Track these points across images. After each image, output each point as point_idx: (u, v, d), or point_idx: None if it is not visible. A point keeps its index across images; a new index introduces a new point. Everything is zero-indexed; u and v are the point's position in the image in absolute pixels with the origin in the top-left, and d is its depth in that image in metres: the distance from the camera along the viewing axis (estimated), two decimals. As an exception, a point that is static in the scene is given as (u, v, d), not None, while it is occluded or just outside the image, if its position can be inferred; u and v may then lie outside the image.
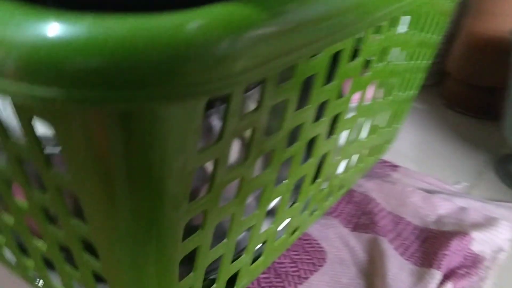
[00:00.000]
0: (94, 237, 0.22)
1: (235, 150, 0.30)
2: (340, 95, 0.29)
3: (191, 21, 0.14)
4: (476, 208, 0.42)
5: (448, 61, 0.62)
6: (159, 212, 0.20)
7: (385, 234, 0.39)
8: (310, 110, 0.26)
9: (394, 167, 0.49)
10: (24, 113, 0.19)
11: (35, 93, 0.13)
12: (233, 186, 0.26)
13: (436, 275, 0.35)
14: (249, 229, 0.32)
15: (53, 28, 0.13)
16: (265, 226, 0.32)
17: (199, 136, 0.19)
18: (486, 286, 0.36)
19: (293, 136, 0.27)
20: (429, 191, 0.44)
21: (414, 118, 0.59)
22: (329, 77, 0.27)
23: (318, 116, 0.28)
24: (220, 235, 0.27)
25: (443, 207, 0.42)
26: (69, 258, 0.27)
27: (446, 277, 0.36)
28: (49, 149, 0.26)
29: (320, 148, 0.30)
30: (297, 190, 0.32)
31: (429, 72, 0.65)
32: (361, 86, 0.30)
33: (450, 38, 0.63)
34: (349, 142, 0.34)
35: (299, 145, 0.27)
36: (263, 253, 0.33)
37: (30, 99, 0.13)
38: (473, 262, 0.37)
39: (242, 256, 0.30)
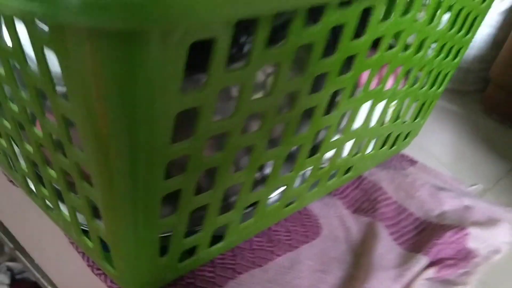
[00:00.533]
0: (87, 165, 0.24)
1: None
2: (341, 72, 0.30)
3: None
4: (482, 208, 0.42)
5: (492, 68, 0.61)
6: (142, 147, 0.22)
7: (384, 220, 0.40)
8: (305, 80, 0.27)
9: (413, 162, 0.49)
10: (37, 42, 0.22)
11: (30, 9, 0.16)
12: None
13: (422, 260, 0.36)
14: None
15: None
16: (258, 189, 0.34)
17: (181, 76, 0.21)
18: (470, 281, 0.36)
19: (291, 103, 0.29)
20: (441, 188, 0.45)
21: (449, 121, 0.59)
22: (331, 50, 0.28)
23: (317, 87, 0.30)
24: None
25: (448, 204, 0.42)
26: (74, 190, 0.30)
27: (433, 264, 0.36)
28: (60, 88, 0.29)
29: (317, 122, 0.31)
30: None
31: (474, 78, 0.64)
32: (365, 68, 0.32)
33: (498, 45, 0.62)
34: (351, 123, 0.36)
35: (293, 113, 0.29)
36: (254, 215, 0.35)
37: (26, 14, 0.15)
38: (464, 257, 0.37)
39: (230, 211, 0.32)
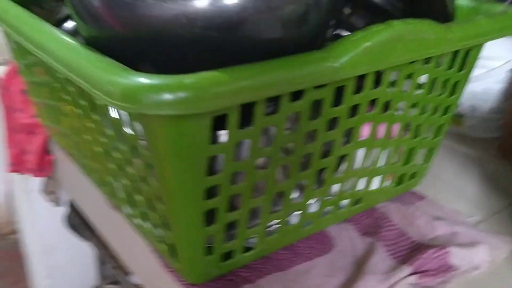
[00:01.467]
0: (160, 191, 0.40)
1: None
2: (327, 128, 0.44)
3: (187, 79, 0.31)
4: (468, 233, 0.52)
5: (504, 117, 0.70)
6: (189, 178, 0.37)
7: (384, 241, 0.52)
8: (298, 135, 0.41)
9: (421, 197, 0.60)
10: (132, 118, 0.38)
11: (125, 107, 0.32)
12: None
13: (406, 269, 0.47)
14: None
15: (133, 79, 0.31)
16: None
17: (209, 135, 0.36)
18: (448, 288, 0.46)
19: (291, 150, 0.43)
20: (438, 218, 0.55)
21: (468, 163, 0.69)
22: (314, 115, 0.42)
23: (312, 137, 0.43)
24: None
25: (440, 230, 0.53)
26: (152, 209, 0.45)
27: (416, 273, 0.47)
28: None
29: (315, 164, 0.45)
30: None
31: (492, 126, 0.74)
32: (349, 125, 0.45)
33: (510, 98, 0.71)
34: (350, 165, 0.48)
35: (293, 158, 0.43)
36: (278, 232, 0.48)
37: (123, 108, 0.31)
38: (445, 270, 0.48)
39: (257, 227, 0.46)
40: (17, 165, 0.89)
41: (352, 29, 0.61)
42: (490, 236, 0.53)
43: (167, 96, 0.30)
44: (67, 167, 0.73)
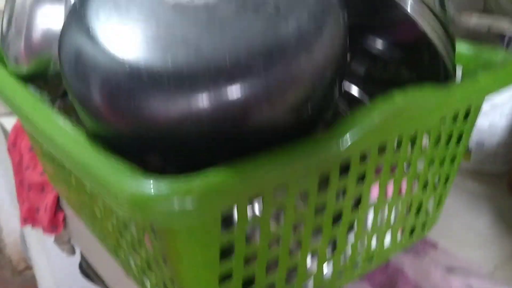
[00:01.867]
0: (173, 276, 0.40)
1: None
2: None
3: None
4: (483, 286, 0.52)
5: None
6: (202, 265, 0.38)
7: (399, 299, 0.52)
8: (309, 213, 0.41)
9: (434, 246, 0.60)
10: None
11: (134, 215, 0.32)
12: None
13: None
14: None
15: (142, 186, 0.32)
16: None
17: (220, 228, 0.36)
18: None
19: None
20: (453, 270, 0.55)
21: (474, 201, 0.69)
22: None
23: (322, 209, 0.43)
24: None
25: (456, 284, 0.53)
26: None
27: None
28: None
29: (326, 233, 0.45)
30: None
31: (501, 161, 0.74)
32: (355, 193, 0.45)
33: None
34: (360, 228, 0.48)
35: (304, 231, 0.43)
36: (292, 300, 0.48)
37: (133, 217, 0.32)
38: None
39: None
40: (30, 220, 0.90)
41: (351, 76, 0.62)
42: (505, 287, 0.52)
43: (176, 208, 0.30)
44: (78, 225, 0.74)
